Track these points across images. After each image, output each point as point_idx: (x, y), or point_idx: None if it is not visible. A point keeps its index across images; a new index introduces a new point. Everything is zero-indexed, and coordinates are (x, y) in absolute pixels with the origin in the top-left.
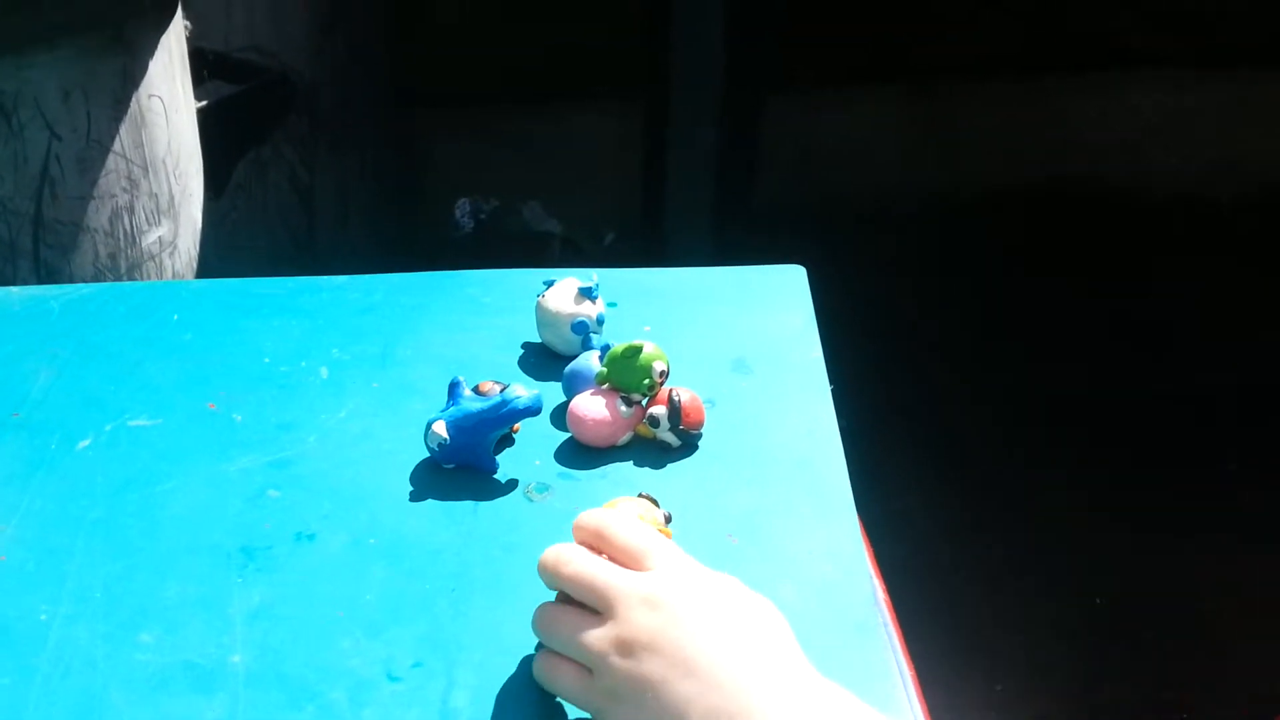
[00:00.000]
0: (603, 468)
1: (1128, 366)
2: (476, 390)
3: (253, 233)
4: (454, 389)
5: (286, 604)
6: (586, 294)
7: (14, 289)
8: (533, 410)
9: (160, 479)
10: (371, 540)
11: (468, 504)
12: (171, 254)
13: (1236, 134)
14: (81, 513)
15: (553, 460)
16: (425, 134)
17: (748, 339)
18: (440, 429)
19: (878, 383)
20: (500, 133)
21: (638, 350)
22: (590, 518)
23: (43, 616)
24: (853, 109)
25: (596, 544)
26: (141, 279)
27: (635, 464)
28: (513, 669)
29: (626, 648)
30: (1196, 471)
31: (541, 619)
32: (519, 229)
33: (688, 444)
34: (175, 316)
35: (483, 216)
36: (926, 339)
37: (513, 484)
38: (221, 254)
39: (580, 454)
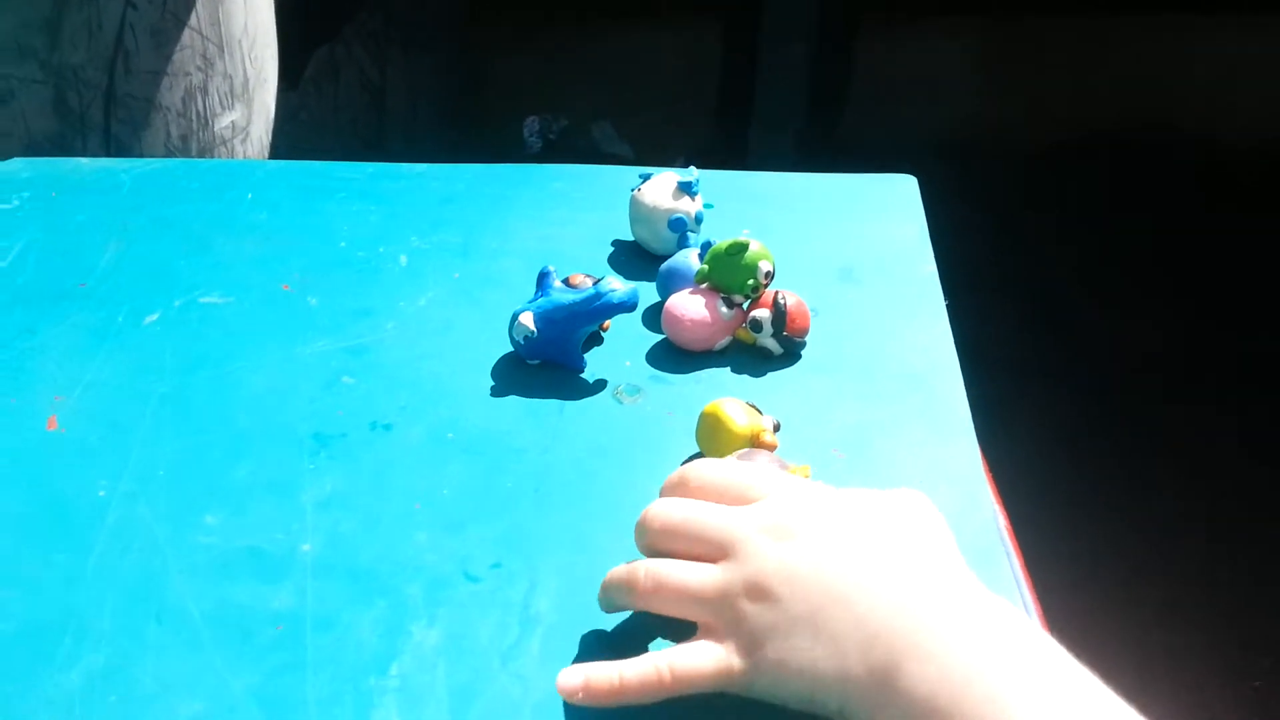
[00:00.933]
0: (698, 372)
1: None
2: (567, 282)
3: (322, 132)
4: (543, 279)
5: (360, 494)
6: (685, 189)
7: (84, 160)
8: (628, 305)
9: (231, 358)
10: (450, 435)
11: (553, 403)
12: (244, 140)
13: None
14: (148, 388)
15: (644, 362)
16: (497, 46)
17: (856, 247)
18: (527, 320)
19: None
20: (572, 50)
21: (743, 248)
22: (672, 477)
23: (102, 493)
24: (937, 42)
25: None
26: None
27: (733, 370)
28: (599, 574)
29: (758, 590)
30: None
31: (638, 578)
32: (589, 149)
33: (790, 352)
34: (250, 195)
35: (552, 136)
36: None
37: (601, 384)
38: (292, 148)
39: (674, 356)
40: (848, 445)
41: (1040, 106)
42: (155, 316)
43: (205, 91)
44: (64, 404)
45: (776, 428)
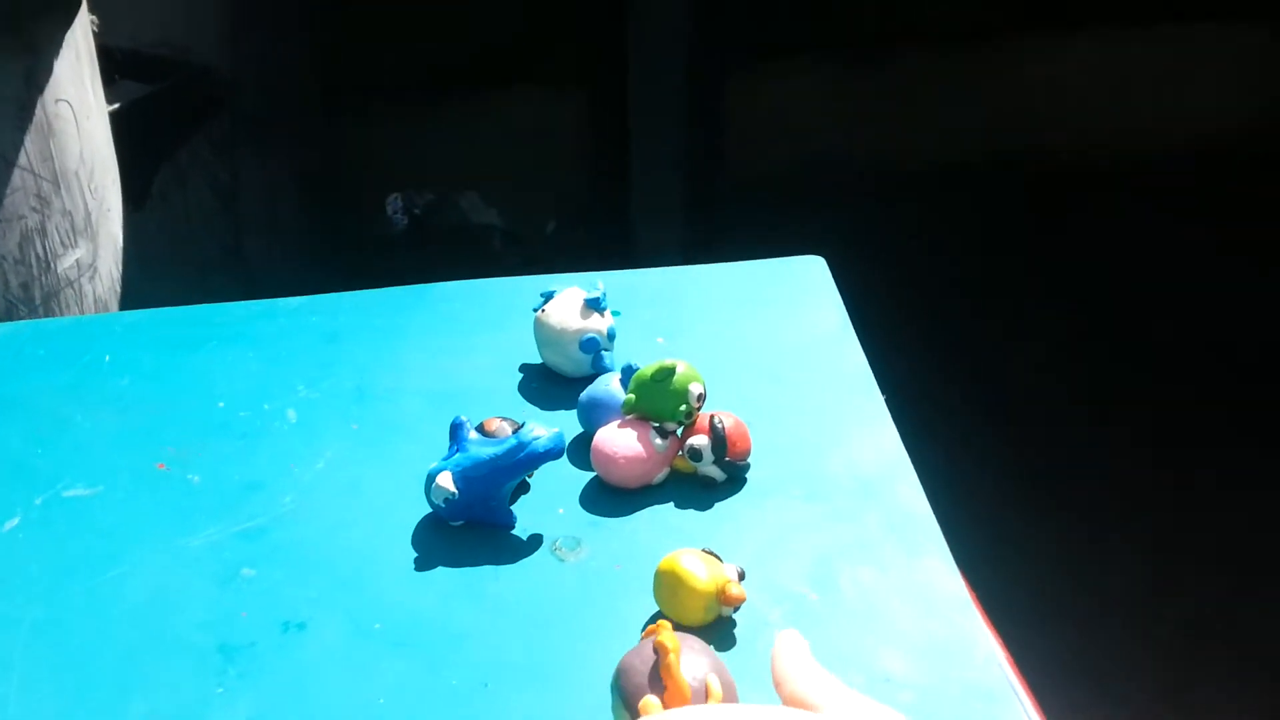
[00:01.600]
0: (639, 513)
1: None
2: (482, 430)
3: (175, 245)
4: (456, 431)
5: (280, 714)
6: (593, 305)
7: None
8: (554, 453)
9: (109, 563)
10: (376, 625)
11: (486, 570)
12: (92, 278)
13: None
14: (16, 614)
15: (578, 506)
16: (352, 128)
17: (778, 343)
18: (446, 482)
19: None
20: (431, 124)
21: (670, 372)
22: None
23: None
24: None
25: None
26: (59, 309)
27: (677, 506)
28: None
29: None
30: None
31: None
32: (457, 222)
33: (734, 476)
34: (107, 357)
35: (416, 211)
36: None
37: (536, 540)
38: (146, 271)
39: (610, 497)
40: (817, 580)
41: (913, 137)
42: (15, 521)
43: (44, 233)
44: None
45: (741, 576)
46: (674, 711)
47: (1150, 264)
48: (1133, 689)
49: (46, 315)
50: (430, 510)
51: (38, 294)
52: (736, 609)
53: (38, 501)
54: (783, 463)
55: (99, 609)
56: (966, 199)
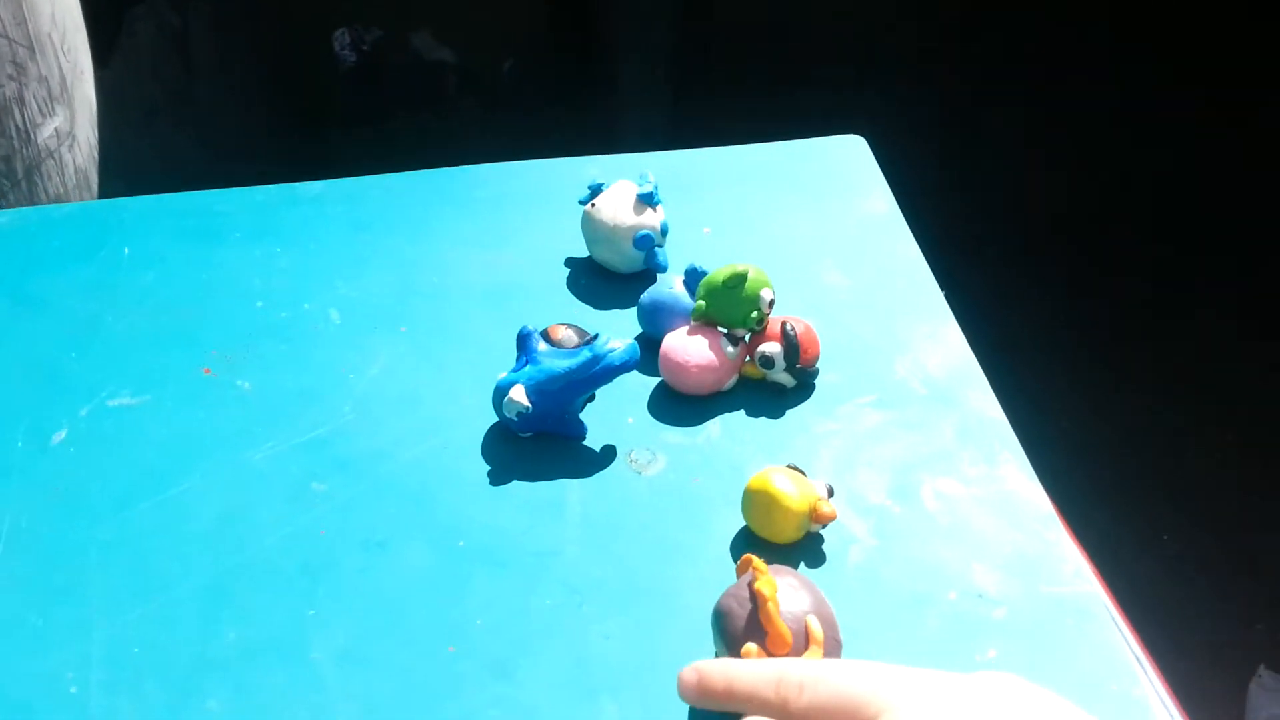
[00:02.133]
0: (709, 421)
1: None
2: (548, 339)
3: (123, 90)
4: (525, 341)
5: (379, 643)
6: (646, 200)
7: None
8: (630, 365)
9: (171, 480)
10: (460, 543)
11: (564, 485)
12: (70, 146)
13: None
14: (84, 536)
15: (647, 414)
16: None
17: (826, 234)
18: (520, 396)
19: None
20: None
21: (742, 278)
22: (762, 688)
23: (73, 689)
24: None
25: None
26: (41, 181)
27: (748, 413)
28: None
29: None
30: None
31: None
32: (409, 60)
33: (803, 383)
34: (126, 250)
35: (365, 48)
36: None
37: (610, 452)
38: (115, 134)
39: (679, 404)
40: (898, 493)
41: None
42: (63, 434)
43: (22, 102)
44: None
45: (830, 493)
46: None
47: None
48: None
49: (29, 189)
50: (496, 420)
51: (20, 167)
52: (826, 526)
53: (83, 412)
54: (850, 367)
55: (170, 529)
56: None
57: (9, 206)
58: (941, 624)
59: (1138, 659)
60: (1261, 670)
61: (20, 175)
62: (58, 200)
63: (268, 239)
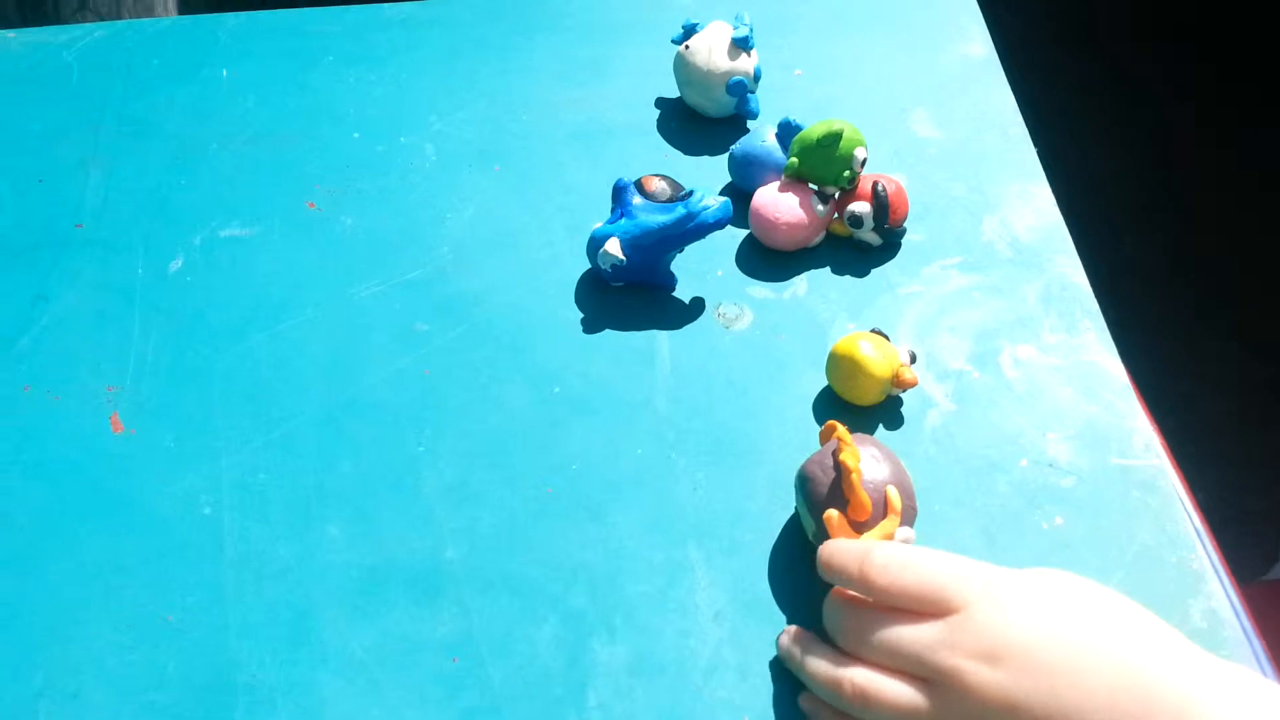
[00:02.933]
0: (795, 278)
1: None
2: (642, 190)
3: None
4: (621, 194)
5: (483, 478)
6: (741, 44)
7: (9, 33)
8: (723, 223)
9: (281, 312)
10: (556, 389)
11: (655, 334)
12: None
13: None
14: (205, 363)
15: (735, 268)
16: None
17: (920, 80)
18: (615, 248)
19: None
20: None
21: (836, 137)
22: (848, 564)
23: (207, 510)
24: None
25: (868, 598)
26: None
27: (834, 271)
28: (765, 552)
29: (991, 654)
30: None
31: (844, 690)
32: None
33: (890, 243)
34: (224, 73)
35: None
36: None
37: (699, 305)
38: None
39: (766, 258)
40: (978, 358)
41: None
42: (179, 263)
43: None
44: (120, 396)
45: (913, 359)
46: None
47: None
48: None
49: None
50: (589, 267)
51: None
52: (907, 390)
53: (196, 241)
54: (937, 225)
55: (283, 362)
56: None
57: (93, 7)
58: (1011, 490)
59: (1197, 532)
60: None
61: None
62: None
63: (360, 64)
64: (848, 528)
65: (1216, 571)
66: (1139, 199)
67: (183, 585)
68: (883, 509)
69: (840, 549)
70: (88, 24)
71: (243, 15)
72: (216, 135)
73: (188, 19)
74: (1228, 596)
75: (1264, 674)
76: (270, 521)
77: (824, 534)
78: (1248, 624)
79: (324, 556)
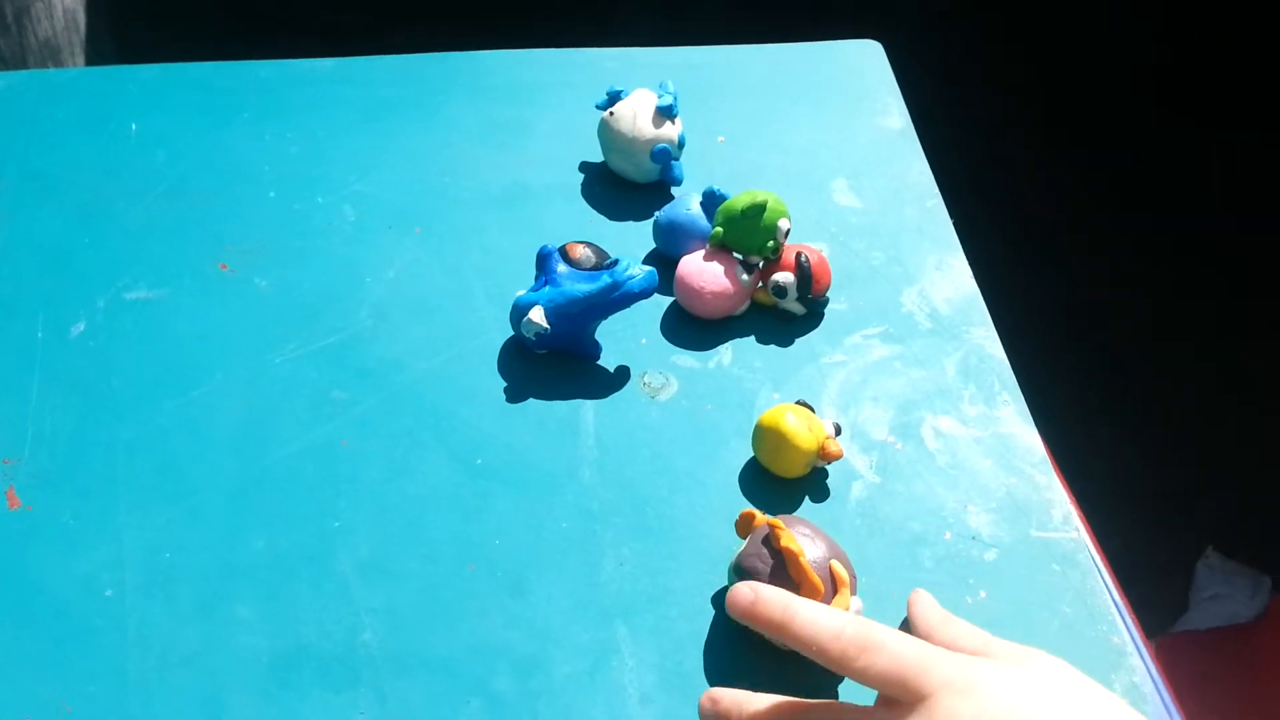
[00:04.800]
0: (721, 347)
1: None
2: (566, 257)
3: None
4: (545, 261)
5: (402, 555)
6: (665, 112)
7: None
8: (648, 292)
9: (193, 380)
10: (478, 461)
11: (579, 404)
12: None
13: None
14: (109, 434)
15: (660, 336)
16: None
17: (838, 148)
18: (539, 317)
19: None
20: None
21: (760, 207)
22: (828, 645)
23: (109, 592)
24: None
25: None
26: (31, 25)
27: (759, 339)
28: (691, 627)
29: None
30: None
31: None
32: None
33: (814, 312)
34: (133, 126)
35: None
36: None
37: (624, 373)
38: None
39: (691, 326)
40: (901, 429)
41: None
42: (81, 326)
43: None
44: (16, 468)
45: (838, 431)
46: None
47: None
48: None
49: (19, 33)
50: (512, 334)
51: (9, 11)
52: (832, 463)
53: (101, 303)
54: (859, 295)
55: (193, 433)
56: None
57: None
58: (936, 564)
59: (1117, 606)
60: (1209, 551)
61: (10, 20)
62: (47, 44)
63: (277, 121)
64: None
65: (1136, 645)
66: (1035, 277)
67: (82, 673)
68: (832, 585)
69: (811, 614)
70: None
71: (154, 67)
72: (124, 191)
73: (96, 70)
74: (1148, 670)
75: None
76: (176, 602)
77: None
78: (1167, 697)
79: (233, 639)
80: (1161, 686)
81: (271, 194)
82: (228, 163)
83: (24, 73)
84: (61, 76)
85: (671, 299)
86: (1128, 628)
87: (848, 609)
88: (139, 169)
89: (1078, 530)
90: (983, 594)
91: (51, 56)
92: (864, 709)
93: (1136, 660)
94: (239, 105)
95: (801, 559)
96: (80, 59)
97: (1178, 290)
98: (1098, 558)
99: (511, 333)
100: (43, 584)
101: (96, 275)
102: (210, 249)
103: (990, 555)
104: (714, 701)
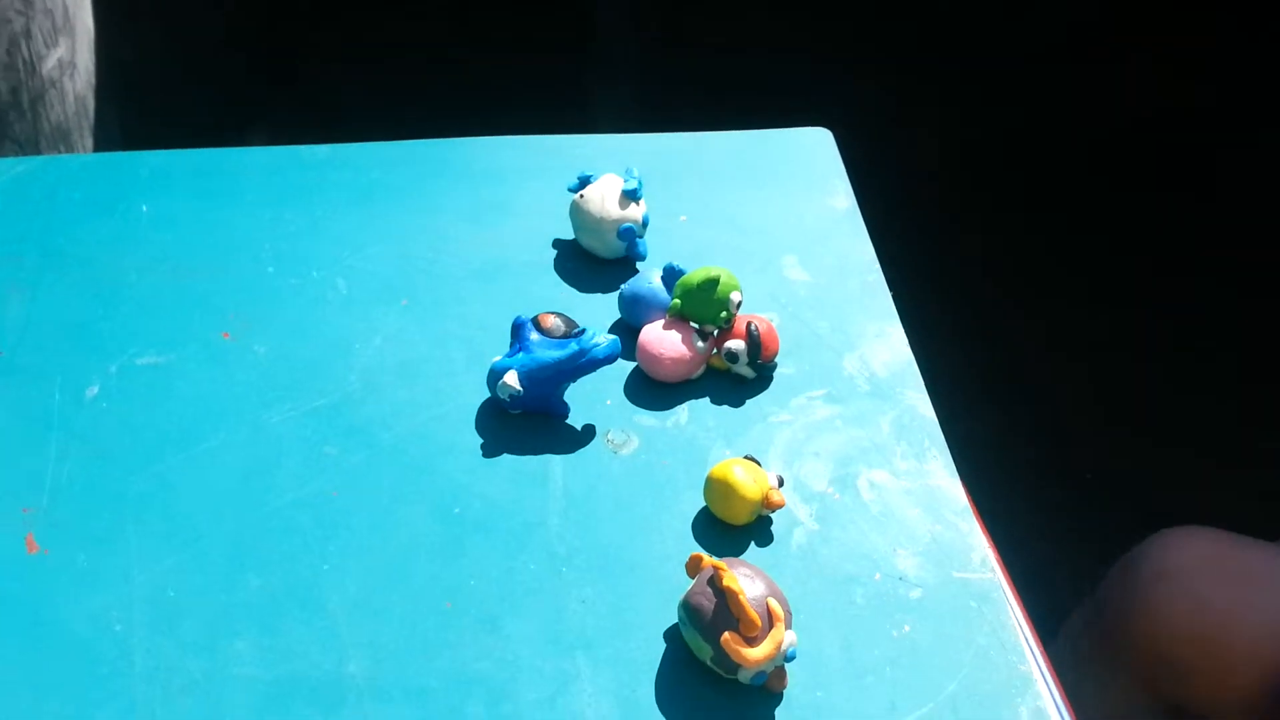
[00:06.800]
0: (678, 407)
1: None
2: (539, 326)
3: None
4: (519, 330)
5: (387, 594)
6: (630, 195)
7: None
8: (612, 358)
9: (196, 437)
10: (456, 510)
11: (549, 459)
12: (72, 75)
13: None
14: (122, 485)
15: (624, 398)
16: None
17: (792, 228)
18: (512, 380)
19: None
20: None
21: (714, 281)
22: None
23: (118, 627)
24: None
25: None
26: (45, 110)
27: (713, 400)
28: (649, 661)
29: None
30: None
31: None
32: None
33: (763, 375)
34: (144, 208)
35: None
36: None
37: (590, 431)
38: (111, 63)
39: (652, 389)
40: (839, 481)
41: None
42: (95, 389)
43: (29, 35)
44: (34, 517)
45: (781, 483)
46: None
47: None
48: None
49: (34, 118)
50: (488, 396)
51: (25, 98)
52: (775, 511)
53: (113, 369)
54: (805, 360)
55: (198, 484)
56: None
57: (14, 136)
58: (866, 601)
59: (1026, 639)
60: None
61: (25, 106)
62: (59, 128)
63: (276, 203)
64: (744, 644)
65: (1042, 673)
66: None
67: (94, 700)
68: (769, 620)
69: None
70: (10, 159)
71: (163, 153)
72: (135, 266)
73: (109, 155)
74: (1052, 697)
75: None
76: (180, 636)
77: (723, 655)
78: None
79: (232, 670)
80: (1064, 711)
81: (270, 269)
82: (230, 240)
83: (42, 158)
84: (77, 161)
85: (634, 364)
86: (1034, 657)
87: (781, 642)
88: (149, 246)
89: (994, 571)
90: (907, 628)
91: (62, 139)
92: None
93: (1042, 686)
94: (241, 187)
95: (741, 597)
96: (89, 142)
97: (1112, 344)
98: (1010, 595)
99: (488, 394)
100: (58, 620)
101: (109, 343)
102: (213, 319)
103: (915, 594)
104: None
